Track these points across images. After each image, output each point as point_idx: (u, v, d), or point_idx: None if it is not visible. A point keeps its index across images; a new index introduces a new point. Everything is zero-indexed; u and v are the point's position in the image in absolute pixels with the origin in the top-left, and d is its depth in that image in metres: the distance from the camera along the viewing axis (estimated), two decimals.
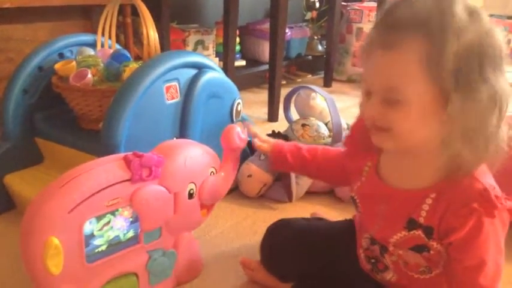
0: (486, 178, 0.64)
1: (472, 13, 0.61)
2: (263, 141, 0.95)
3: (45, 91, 1.19)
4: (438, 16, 0.59)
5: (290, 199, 1.28)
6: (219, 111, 1.21)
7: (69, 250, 0.69)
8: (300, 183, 1.27)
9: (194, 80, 1.12)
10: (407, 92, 0.61)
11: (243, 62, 2.47)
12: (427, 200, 0.67)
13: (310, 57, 2.82)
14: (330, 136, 1.43)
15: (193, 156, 0.83)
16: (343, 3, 2.76)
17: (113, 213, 0.74)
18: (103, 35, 1.26)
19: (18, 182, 1.14)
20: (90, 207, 0.70)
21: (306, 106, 1.61)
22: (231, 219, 1.18)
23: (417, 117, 0.62)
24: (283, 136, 1.37)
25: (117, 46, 1.32)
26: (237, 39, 2.32)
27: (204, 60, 1.17)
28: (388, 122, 0.64)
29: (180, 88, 1.09)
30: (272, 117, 2.01)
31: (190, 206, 0.83)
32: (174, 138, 1.08)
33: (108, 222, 0.74)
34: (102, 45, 1.27)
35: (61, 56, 1.24)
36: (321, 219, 1.03)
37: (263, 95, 2.14)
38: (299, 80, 2.67)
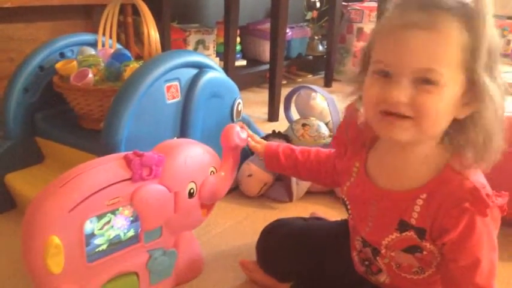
0: (476, 176, 0.64)
1: (488, 11, 0.61)
2: (257, 141, 0.95)
3: (46, 91, 1.19)
4: (478, 9, 0.60)
5: (290, 199, 1.28)
6: (219, 111, 1.21)
7: (70, 249, 0.69)
8: (300, 183, 1.27)
9: (195, 79, 1.12)
10: (445, 75, 0.59)
11: (243, 62, 2.48)
12: (417, 201, 0.66)
13: (310, 57, 2.82)
14: (330, 136, 1.43)
15: (193, 155, 0.83)
16: (343, 3, 2.76)
17: (113, 212, 0.74)
18: (104, 34, 1.26)
19: (19, 182, 1.14)
20: (91, 207, 0.70)
21: (307, 106, 1.62)
22: (231, 219, 1.18)
23: (447, 103, 0.61)
24: (284, 136, 1.37)
25: (118, 46, 1.32)
26: (238, 39, 2.33)
27: (204, 60, 1.18)
28: (418, 105, 0.60)
29: (180, 88, 1.10)
30: (272, 117, 2.01)
31: (190, 205, 0.84)
32: (175, 138, 1.08)
33: (109, 222, 0.74)
34: (103, 45, 1.27)
35: (62, 55, 1.24)
36: (319, 218, 1.03)
37: (263, 95, 2.14)
38: (299, 79, 2.67)
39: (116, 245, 0.77)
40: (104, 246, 0.75)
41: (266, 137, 1.34)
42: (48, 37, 1.59)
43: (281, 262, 0.90)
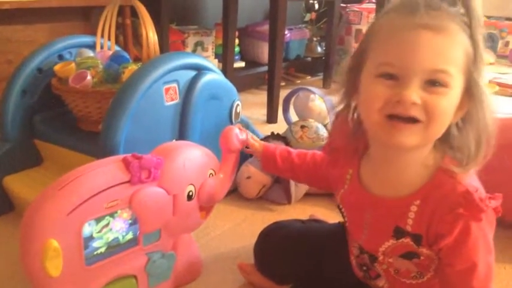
0: (469, 179, 0.64)
1: None
2: (255, 140, 0.94)
3: (45, 93, 1.19)
4: (474, 18, 0.61)
5: (289, 201, 1.28)
6: (218, 113, 1.21)
7: (68, 252, 0.69)
8: (299, 185, 1.27)
9: (193, 81, 1.12)
10: (453, 77, 0.60)
11: (242, 64, 2.48)
12: (412, 207, 0.66)
13: (309, 58, 2.83)
14: None
15: (192, 158, 0.83)
16: (342, 4, 2.76)
17: (112, 215, 0.74)
18: (102, 36, 1.26)
19: (17, 184, 1.13)
20: (89, 209, 0.70)
21: (305, 108, 1.62)
22: (230, 221, 1.18)
23: (453, 106, 0.61)
24: (282, 138, 1.37)
25: (117, 48, 1.32)
26: (236, 41, 2.33)
27: (203, 62, 1.17)
28: (431, 107, 0.59)
29: (179, 90, 1.09)
30: (271, 118, 2.01)
31: (189, 207, 0.83)
32: (174, 140, 1.08)
33: (107, 224, 0.74)
34: (102, 47, 1.27)
35: (60, 57, 1.24)
36: (318, 221, 1.03)
37: (262, 97, 2.14)
38: (298, 81, 2.67)
39: (115, 247, 0.76)
40: (103, 249, 0.75)
41: (265, 139, 1.34)
42: (47, 39, 1.59)
43: (279, 265, 0.90)
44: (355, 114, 0.72)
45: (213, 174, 0.87)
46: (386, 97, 0.60)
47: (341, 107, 0.73)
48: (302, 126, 1.43)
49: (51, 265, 0.67)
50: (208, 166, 0.86)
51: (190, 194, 0.82)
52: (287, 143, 1.35)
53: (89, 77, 1.10)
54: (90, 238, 0.72)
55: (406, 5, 0.62)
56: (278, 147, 0.93)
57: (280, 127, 1.69)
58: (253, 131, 1.42)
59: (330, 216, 1.15)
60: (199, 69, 1.15)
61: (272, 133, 1.40)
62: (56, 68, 1.16)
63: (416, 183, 0.66)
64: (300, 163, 0.90)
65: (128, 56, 1.22)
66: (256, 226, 1.01)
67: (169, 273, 0.87)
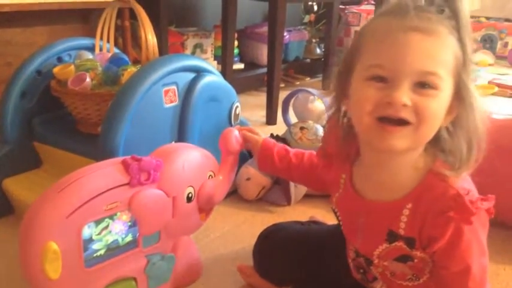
0: (460, 182, 0.64)
1: None
2: (256, 133, 0.93)
3: (44, 95, 1.19)
4: (462, 22, 0.61)
5: (289, 202, 1.28)
6: (217, 115, 1.21)
7: (68, 255, 0.69)
8: (299, 186, 1.27)
9: (193, 83, 1.12)
10: (443, 79, 0.60)
11: (241, 65, 2.48)
12: (404, 211, 0.66)
13: (308, 60, 2.83)
14: None
15: (191, 159, 0.83)
16: (341, 6, 2.76)
17: (111, 217, 0.74)
18: (101, 38, 1.26)
19: (16, 187, 1.13)
20: (89, 212, 0.70)
21: (305, 109, 1.62)
22: (229, 223, 1.18)
23: (443, 108, 0.62)
24: (282, 139, 1.37)
25: (116, 50, 1.32)
26: (236, 43, 2.33)
27: (202, 64, 1.17)
28: (421, 109, 0.59)
29: (178, 92, 1.09)
30: (270, 120, 2.01)
31: (188, 209, 0.83)
32: (173, 142, 1.08)
33: (107, 227, 0.74)
34: (101, 49, 1.27)
35: (59, 60, 1.24)
36: (317, 222, 1.03)
37: (261, 98, 2.14)
38: (297, 83, 2.67)
39: (114, 250, 0.76)
40: (102, 252, 0.75)
41: None
42: (46, 41, 1.60)
43: (278, 267, 0.90)
44: (346, 119, 0.72)
45: (213, 176, 0.87)
46: (376, 99, 0.60)
47: (332, 111, 0.73)
48: (301, 128, 1.43)
49: (50, 268, 0.67)
50: (208, 168, 0.86)
51: (190, 195, 0.82)
52: (287, 145, 1.35)
53: (88, 79, 1.10)
54: (90, 240, 0.72)
55: (395, 9, 0.62)
56: (276, 144, 0.92)
57: (279, 128, 1.69)
58: None
59: (330, 217, 1.14)
60: (199, 71, 1.15)
61: (271, 134, 1.40)
62: (55, 70, 1.16)
63: (408, 187, 0.66)
64: (297, 163, 0.89)
65: (127, 58, 1.22)
66: (256, 228, 1.01)
67: (169, 275, 0.87)
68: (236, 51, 2.40)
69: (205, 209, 0.88)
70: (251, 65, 2.54)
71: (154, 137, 1.04)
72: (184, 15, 2.44)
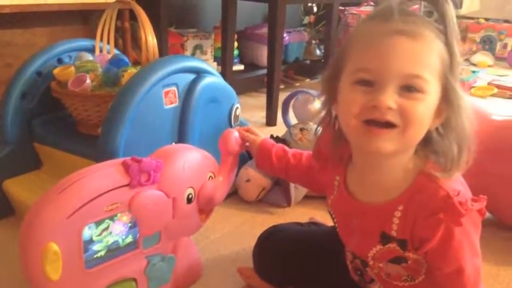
0: (451, 183, 0.64)
1: None
2: (255, 133, 0.94)
3: (44, 96, 1.19)
4: (449, 26, 0.62)
5: (289, 203, 1.28)
6: (217, 116, 1.21)
7: (68, 256, 0.69)
8: (299, 188, 1.27)
9: (193, 84, 1.12)
10: (430, 83, 0.60)
11: (241, 67, 2.48)
12: (395, 213, 0.66)
13: (308, 61, 2.83)
14: None
15: (191, 161, 0.83)
16: (340, 7, 2.76)
17: (111, 218, 0.74)
18: (101, 40, 1.26)
19: (17, 188, 1.13)
20: (89, 213, 0.70)
21: (304, 110, 1.62)
22: (229, 224, 1.18)
23: (430, 111, 0.62)
24: (282, 140, 1.37)
25: (116, 51, 1.32)
26: (235, 44, 2.33)
27: (202, 65, 1.18)
28: (406, 112, 0.59)
29: (178, 93, 1.10)
30: (270, 121, 2.01)
31: (189, 210, 0.83)
32: (173, 143, 1.08)
33: (107, 228, 0.74)
34: (101, 50, 1.27)
35: (60, 61, 1.24)
36: (317, 224, 1.03)
37: (261, 99, 2.14)
38: (297, 84, 2.66)
39: (114, 251, 0.76)
40: (102, 253, 0.75)
41: None
42: (46, 43, 1.60)
43: (277, 268, 0.90)
44: (337, 122, 0.72)
45: (213, 177, 0.87)
46: (362, 103, 0.61)
47: (323, 114, 0.74)
48: (301, 129, 1.43)
49: (51, 268, 0.67)
50: (208, 169, 0.87)
51: (190, 197, 0.83)
52: (287, 146, 1.35)
53: (88, 81, 1.11)
54: (90, 241, 0.72)
55: (381, 13, 0.63)
56: (275, 144, 0.92)
57: (279, 130, 1.69)
58: None
59: (330, 219, 1.15)
60: (199, 73, 1.15)
61: (271, 136, 1.40)
62: (56, 71, 1.16)
63: (399, 189, 0.66)
64: (295, 164, 0.89)
65: (127, 60, 1.22)
66: (256, 229, 1.01)
67: (169, 276, 0.87)
68: (236, 52, 2.40)
69: (205, 210, 0.88)
70: (251, 66, 2.54)
71: (155, 138, 1.05)
72: (184, 16, 2.44)
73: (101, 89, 1.13)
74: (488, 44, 3.45)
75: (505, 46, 3.42)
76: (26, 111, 1.18)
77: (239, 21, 2.21)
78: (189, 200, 0.83)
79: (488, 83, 2.64)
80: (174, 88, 1.09)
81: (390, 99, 0.59)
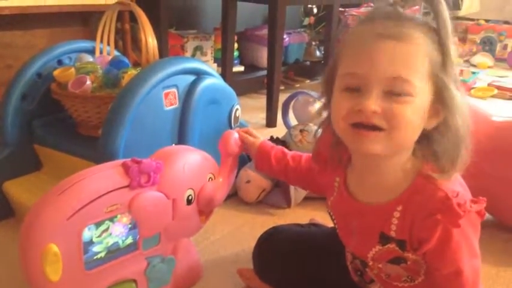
0: (450, 184, 0.64)
1: None
2: (254, 135, 0.94)
3: (44, 98, 1.19)
4: (441, 23, 0.61)
5: (289, 205, 1.28)
6: (217, 117, 1.21)
7: (68, 257, 0.69)
8: (299, 189, 1.27)
9: (193, 86, 1.12)
10: (416, 85, 0.60)
11: (241, 68, 2.48)
12: (395, 213, 0.66)
13: (308, 62, 2.83)
14: None
15: (191, 162, 0.83)
16: (340, 8, 2.77)
17: (111, 219, 0.74)
18: (102, 41, 1.26)
19: (17, 189, 1.13)
20: (89, 214, 0.70)
21: (305, 111, 1.61)
22: (230, 225, 1.18)
23: (418, 114, 0.62)
24: (282, 142, 1.37)
25: (116, 52, 1.32)
26: (235, 45, 2.33)
27: (202, 66, 1.18)
28: (391, 116, 0.60)
29: (178, 94, 1.10)
30: (270, 122, 2.01)
31: (188, 212, 0.83)
32: (173, 145, 1.08)
33: (107, 229, 0.74)
34: (101, 52, 1.27)
35: (60, 62, 1.24)
36: (317, 225, 1.03)
37: (261, 101, 2.14)
38: (297, 85, 2.67)
39: (114, 252, 0.76)
40: (102, 254, 0.75)
41: None
42: (46, 44, 1.60)
43: (278, 269, 0.90)
44: None
45: (213, 178, 0.87)
46: (349, 107, 0.62)
47: (322, 117, 0.75)
48: (301, 130, 1.43)
49: (51, 270, 0.67)
50: (208, 170, 0.87)
51: (190, 198, 0.83)
52: (286, 147, 1.34)
53: (88, 82, 1.11)
54: (90, 243, 0.72)
55: (369, 17, 0.64)
56: (274, 146, 0.92)
57: (279, 131, 1.69)
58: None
59: (330, 220, 1.15)
60: (199, 74, 1.15)
61: (271, 137, 1.40)
62: (56, 73, 1.16)
63: (398, 189, 0.66)
64: (294, 166, 0.89)
65: (127, 61, 1.22)
66: (256, 230, 1.01)
67: (169, 277, 0.87)
68: (236, 53, 2.40)
69: (205, 211, 0.88)
70: (251, 67, 2.54)
71: (155, 140, 1.05)
72: (184, 17, 2.44)
73: (101, 90, 1.13)
74: (488, 45, 3.45)
75: (505, 47, 3.42)
76: (26, 112, 1.18)
77: (239, 22, 2.21)
78: (189, 201, 0.83)
79: (488, 84, 2.64)
80: (174, 89, 1.09)
81: (374, 103, 0.60)
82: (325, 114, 0.74)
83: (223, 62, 2.20)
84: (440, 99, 0.62)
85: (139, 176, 0.75)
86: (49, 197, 0.70)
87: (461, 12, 3.42)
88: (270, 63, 1.97)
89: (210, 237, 1.12)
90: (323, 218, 1.14)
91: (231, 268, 0.99)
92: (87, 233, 0.71)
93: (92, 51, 1.27)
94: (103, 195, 0.71)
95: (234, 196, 1.30)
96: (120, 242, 0.77)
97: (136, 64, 1.40)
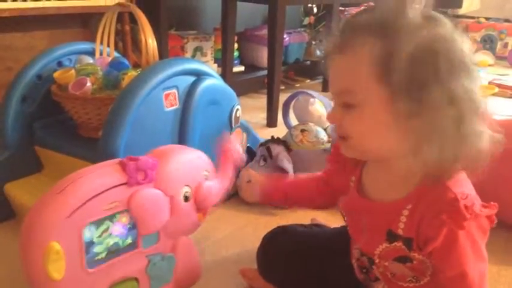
0: (460, 186, 0.63)
1: (429, 18, 0.61)
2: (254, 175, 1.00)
3: (44, 99, 1.19)
4: (391, 19, 0.60)
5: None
6: (218, 118, 1.21)
7: (70, 255, 0.69)
8: None
9: (193, 87, 1.12)
10: (360, 95, 0.61)
11: (241, 68, 2.48)
12: (404, 211, 0.66)
13: (308, 62, 2.83)
14: (329, 141, 1.43)
15: (185, 159, 0.85)
16: (340, 8, 2.76)
17: (111, 219, 0.74)
18: (102, 43, 1.26)
19: (18, 191, 1.13)
20: (89, 212, 0.71)
21: (305, 111, 1.61)
22: (231, 225, 1.18)
23: (370, 122, 0.62)
24: (282, 142, 1.37)
25: (116, 54, 1.32)
26: (236, 45, 2.33)
27: (202, 67, 1.18)
28: (345, 127, 0.65)
29: (179, 95, 1.10)
30: (271, 122, 2.01)
31: (186, 209, 0.84)
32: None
33: (107, 229, 0.74)
34: (101, 53, 1.27)
35: (60, 64, 1.24)
36: (318, 225, 1.03)
37: (262, 101, 2.15)
38: (297, 85, 2.67)
39: (115, 252, 0.77)
40: (103, 255, 0.75)
41: (265, 143, 1.34)
42: (46, 46, 1.60)
43: (282, 269, 0.89)
44: None
45: (208, 175, 0.88)
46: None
47: None
48: (302, 130, 1.43)
49: (53, 268, 0.67)
50: (203, 167, 0.87)
51: (187, 195, 0.83)
52: (287, 147, 1.35)
53: (88, 84, 1.11)
54: (91, 243, 0.72)
55: (332, 31, 0.67)
56: (275, 192, 0.95)
57: (280, 131, 1.68)
58: (253, 136, 1.42)
59: (331, 220, 1.15)
60: (199, 75, 1.15)
61: (272, 137, 1.40)
62: (56, 74, 1.16)
63: (409, 188, 0.66)
64: (295, 186, 0.96)
65: (127, 62, 1.22)
66: (258, 230, 1.01)
67: (170, 276, 0.87)
68: (236, 53, 2.40)
69: (202, 208, 0.88)
70: (251, 67, 2.54)
71: (155, 141, 1.04)
72: (184, 18, 2.44)
73: (101, 92, 1.13)
74: (488, 43, 3.45)
75: (505, 45, 3.41)
76: (27, 114, 1.18)
77: (239, 22, 2.21)
78: (186, 198, 0.83)
79: (489, 83, 2.64)
80: (174, 90, 1.09)
81: (333, 116, 0.66)
82: None
83: (223, 62, 2.20)
84: (412, 96, 0.59)
85: (137, 173, 0.75)
86: (49, 196, 0.70)
87: (462, 10, 3.42)
88: (270, 63, 1.97)
89: (211, 237, 1.12)
90: (325, 219, 1.15)
91: (233, 268, 0.99)
92: (88, 233, 0.71)
93: (92, 53, 1.27)
94: (102, 192, 0.72)
95: (235, 196, 1.30)
96: (121, 242, 0.77)
97: (136, 65, 1.40)
